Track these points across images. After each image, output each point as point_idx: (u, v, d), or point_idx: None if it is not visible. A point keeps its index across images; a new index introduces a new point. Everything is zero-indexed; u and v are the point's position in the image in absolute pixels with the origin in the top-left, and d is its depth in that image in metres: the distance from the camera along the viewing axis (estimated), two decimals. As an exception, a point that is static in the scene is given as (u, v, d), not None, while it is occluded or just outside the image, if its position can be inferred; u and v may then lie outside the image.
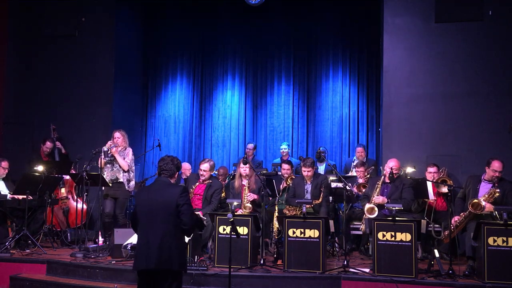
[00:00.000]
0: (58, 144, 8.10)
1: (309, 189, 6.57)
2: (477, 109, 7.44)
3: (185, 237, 4.38)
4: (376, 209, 6.00)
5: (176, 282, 3.83)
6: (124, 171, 6.80)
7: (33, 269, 5.94)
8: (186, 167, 8.15)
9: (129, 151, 6.93)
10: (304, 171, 6.56)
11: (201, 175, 6.74)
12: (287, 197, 6.70)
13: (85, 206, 6.98)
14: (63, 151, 8.19)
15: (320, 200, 6.43)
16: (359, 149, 8.36)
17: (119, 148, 6.83)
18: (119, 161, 6.76)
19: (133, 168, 6.96)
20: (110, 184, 6.72)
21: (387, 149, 7.64)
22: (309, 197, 6.43)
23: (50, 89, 8.84)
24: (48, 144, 7.99)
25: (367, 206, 6.08)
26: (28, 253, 6.33)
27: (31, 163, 7.44)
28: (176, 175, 4.07)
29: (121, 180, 6.77)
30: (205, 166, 6.73)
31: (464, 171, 7.09)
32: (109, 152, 6.72)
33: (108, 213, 6.75)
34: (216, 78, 10.23)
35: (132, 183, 6.87)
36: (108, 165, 6.82)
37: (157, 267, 3.71)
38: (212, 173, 6.91)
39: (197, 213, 6.05)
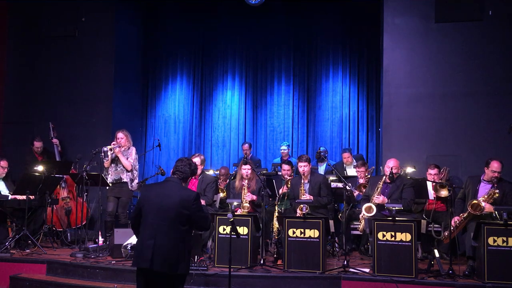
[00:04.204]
0: (56, 141, 8.09)
1: (307, 188, 6.50)
2: (477, 109, 7.45)
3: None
4: (374, 208, 5.99)
5: (182, 286, 3.82)
6: (127, 171, 6.81)
7: (33, 269, 5.93)
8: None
9: (132, 150, 6.95)
10: (300, 166, 6.52)
11: None
12: (291, 201, 6.68)
13: (85, 206, 6.98)
14: (59, 149, 8.16)
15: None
16: (345, 154, 8.21)
17: (122, 148, 6.84)
18: (123, 161, 6.77)
19: (137, 167, 6.98)
20: (110, 185, 6.73)
21: (387, 149, 7.64)
22: (308, 197, 6.39)
23: (50, 89, 8.84)
24: (36, 144, 7.97)
25: (366, 205, 6.08)
26: (28, 253, 6.33)
27: (27, 165, 7.44)
28: (188, 180, 3.99)
29: (125, 180, 6.78)
30: (195, 160, 6.73)
31: (464, 171, 7.10)
32: (112, 152, 6.72)
33: (110, 212, 6.78)
34: (216, 78, 10.24)
35: (135, 182, 6.89)
36: (112, 165, 6.83)
37: (163, 270, 3.66)
38: (202, 167, 6.89)
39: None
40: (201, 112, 10.28)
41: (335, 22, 9.69)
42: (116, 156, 6.79)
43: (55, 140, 8.08)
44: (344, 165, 8.21)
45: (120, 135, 6.90)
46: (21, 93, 8.99)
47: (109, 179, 6.76)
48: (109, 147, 6.74)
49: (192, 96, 10.30)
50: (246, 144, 9.09)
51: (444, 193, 6.17)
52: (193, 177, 6.65)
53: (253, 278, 5.36)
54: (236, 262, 5.41)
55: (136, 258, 3.80)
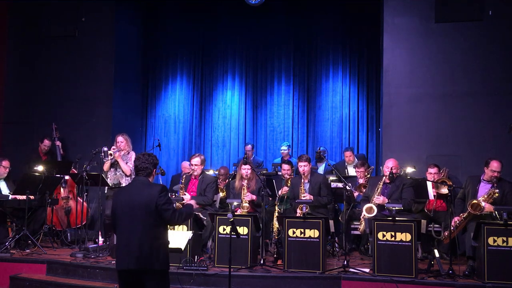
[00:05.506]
0: (58, 143, 8.10)
1: (307, 188, 6.49)
2: (477, 109, 7.45)
3: (185, 236, 4.37)
4: (374, 208, 5.99)
5: (162, 282, 3.82)
6: (126, 176, 6.80)
7: (33, 269, 5.94)
8: (186, 166, 8.16)
9: (132, 155, 6.93)
10: (300, 166, 6.52)
11: (193, 169, 6.74)
12: (291, 201, 6.68)
13: (85, 206, 6.97)
14: (61, 151, 8.17)
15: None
16: (347, 153, 8.19)
17: (122, 153, 6.83)
18: (122, 165, 6.76)
19: None
20: (110, 184, 6.73)
21: (387, 149, 7.64)
22: (308, 197, 6.38)
23: (50, 89, 8.84)
24: (46, 142, 8.00)
25: (366, 205, 6.08)
26: (28, 253, 6.33)
27: (30, 163, 7.44)
28: (154, 173, 4.01)
29: (123, 184, 6.77)
30: (196, 160, 6.73)
31: (464, 171, 7.09)
32: (111, 157, 6.71)
33: (109, 214, 6.76)
34: (216, 78, 10.24)
35: None
36: (111, 169, 6.83)
37: (137, 267, 3.70)
38: (203, 167, 6.89)
39: (196, 213, 6.06)
40: (201, 112, 10.28)
41: (335, 22, 9.68)
42: (116, 161, 6.78)
43: (58, 142, 8.09)
44: (346, 164, 8.22)
45: (120, 139, 6.90)
46: (21, 93, 8.98)
47: (109, 183, 6.75)
48: (109, 151, 6.72)
49: (192, 96, 10.30)
50: (249, 145, 9.07)
51: (444, 190, 6.17)
52: (194, 177, 6.76)
53: (253, 278, 5.36)
54: (236, 262, 5.41)
55: (116, 261, 3.88)
